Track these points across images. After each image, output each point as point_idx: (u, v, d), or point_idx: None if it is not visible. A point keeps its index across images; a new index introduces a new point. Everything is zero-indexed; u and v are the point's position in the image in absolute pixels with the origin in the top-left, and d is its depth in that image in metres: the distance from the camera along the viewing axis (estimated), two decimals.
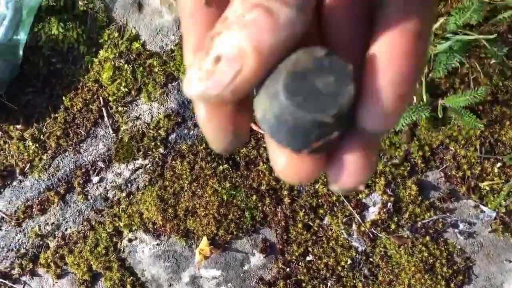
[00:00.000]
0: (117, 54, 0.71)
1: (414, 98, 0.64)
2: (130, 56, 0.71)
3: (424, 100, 0.62)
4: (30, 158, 0.73)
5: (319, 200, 0.67)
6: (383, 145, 0.66)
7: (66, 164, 0.72)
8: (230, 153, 0.57)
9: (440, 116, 0.62)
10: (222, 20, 0.14)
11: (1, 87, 0.70)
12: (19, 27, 0.69)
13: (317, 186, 0.66)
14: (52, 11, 0.73)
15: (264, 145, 0.68)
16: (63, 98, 0.72)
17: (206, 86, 0.13)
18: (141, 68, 0.70)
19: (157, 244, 0.70)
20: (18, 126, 0.73)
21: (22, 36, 0.70)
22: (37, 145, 0.72)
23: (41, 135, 0.73)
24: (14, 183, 0.74)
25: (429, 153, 0.65)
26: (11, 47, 0.68)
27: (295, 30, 0.13)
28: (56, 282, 0.73)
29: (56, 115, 0.72)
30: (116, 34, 0.72)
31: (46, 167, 0.72)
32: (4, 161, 0.74)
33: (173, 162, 0.69)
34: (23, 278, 0.74)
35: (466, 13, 0.56)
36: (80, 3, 0.72)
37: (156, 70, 0.70)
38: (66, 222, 0.73)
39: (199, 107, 0.15)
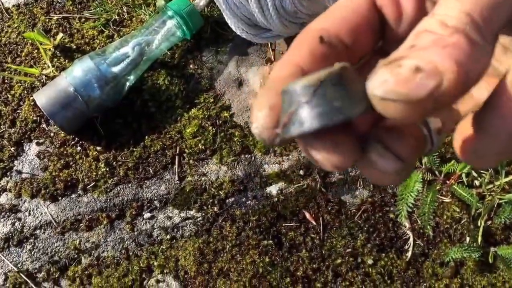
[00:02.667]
0: (206, 116, 0.84)
1: (467, 238, 0.72)
2: (217, 121, 0.84)
3: (479, 242, 0.70)
4: (97, 178, 0.83)
5: None
6: (425, 273, 0.72)
7: (126, 194, 0.82)
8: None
9: (491, 262, 0.69)
10: (407, 47, 0.17)
11: (100, 110, 0.84)
12: (134, 70, 0.84)
13: None
14: (165, 65, 0.89)
15: (312, 235, 0.76)
16: (146, 137, 0.84)
17: (410, 88, 0.16)
18: (222, 134, 0.82)
19: None
20: (98, 148, 0.85)
21: (132, 78, 0.85)
22: (107, 169, 0.83)
23: (114, 162, 0.84)
24: (73, 196, 0.84)
25: None
26: (122, 82, 0.82)
27: (488, 62, 0.17)
28: None
29: (134, 149, 0.84)
30: (212, 100, 0.85)
31: (108, 190, 0.83)
32: (73, 173, 0.84)
33: (223, 222, 0.78)
34: (45, 284, 0.81)
35: None
36: (191, 66, 0.88)
37: (235, 139, 0.82)
38: (106, 245, 0.80)
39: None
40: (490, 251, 0.73)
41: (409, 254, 0.77)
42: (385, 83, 0.17)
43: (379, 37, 0.24)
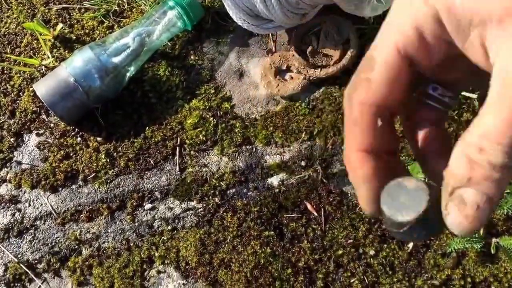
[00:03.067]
0: (207, 107, 0.85)
1: None
2: (218, 112, 0.84)
3: (481, 233, 0.70)
4: (97, 169, 0.84)
5: None
6: (426, 264, 0.73)
7: (126, 185, 0.83)
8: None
9: (493, 252, 0.70)
10: (454, 177, 0.25)
11: (100, 101, 0.84)
12: (134, 60, 0.84)
13: (352, 280, 0.73)
14: (166, 56, 0.89)
15: (313, 226, 0.77)
16: (146, 128, 0.85)
17: (475, 226, 0.25)
18: (223, 125, 0.83)
19: (183, 284, 0.77)
20: (98, 139, 0.85)
21: (133, 68, 0.86)
22: (108, 160, 0.84)
23: (115, 153, 0.84)
24: (73, 186, 0.84)
25: (470, 285, 0.74)
26: (122, 73, 0.83)
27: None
28: None
29: (135, 140, 0.84)
30: (212, 91, 0.86)
31: (108, 181, 0.83)
32: (73, 164, 0.85)
33: (224, 213, 0.78)
34: (45, 275, 0.81)
35: None
36: (191, 57, 0.88)
37: (236, 131, 0.83)
38: (107, 236, 0.81)
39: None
40: (492, 242, 0.74)
41: (410, 245, 0.78)
42: (460, 225, 0.25)
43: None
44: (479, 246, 0.72)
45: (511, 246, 0.70)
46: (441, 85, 0.29)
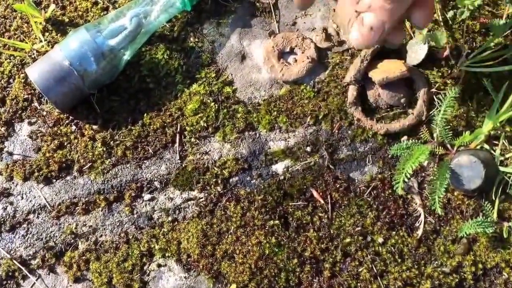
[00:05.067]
0: (208, 92, 0.86)
1: (480, 214, 0.74)
2: (219, 97, 0.85)
3: (494, 218, 0.72)
4: (93, 159, 0.85)
5: (359, 284, 0.74)
6: (436, 250, 0.74)
7: (124, 175, 0.84)
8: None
9: (505, 236, 0.71)
10: (362, 4, 0.43)
11: (96, 86, 0.85)
12: (131, 43, 0.85)
13: (360, 270, 0.74)
14: (164, 38, 0.90)
15: (319, 214, 0.78)
16: (144, 115, 0.86)
17: (365, 41, 0.43)
18: (225, 110, 0.84)
19: (185, 277, 0.78)
20: (94, 127, 0.87)
21: (129, 52, 0.87)
22: (104, 148, 0.85)
23: (112, 141, 0.86)
24: (68, 178, 0.86)
25: (481, 272, 0.74)
26: (118, 56, 0.83)
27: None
28: (71, 286, 0.80)
29: (133, 128, 0.86)
30: (213, 75, 0.87)
31: (105, 171, 0.85)
32: (67, 154, 0.86)
33: (227, 203, 0.80)
34: (40, 271, 0.83)
35: None
36: (191, 39, 0.89)
37: (238, 116, 0.84)
38: (104, 229, 0.82)
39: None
40: (504, 226, 0.75)
41: (420, 231, 0.79)
42: (356, 41, 0.44)
43: None
44: (490, 231, 0.73)
45: None
46: None
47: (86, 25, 0.88)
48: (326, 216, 0.81)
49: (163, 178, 0.87)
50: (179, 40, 0.94)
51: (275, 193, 0.83)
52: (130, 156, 0.89)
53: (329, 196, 0.82)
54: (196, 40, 0.94)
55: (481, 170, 0.73)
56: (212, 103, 0.89)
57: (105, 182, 0.88)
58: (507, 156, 0.78)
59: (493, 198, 0.77)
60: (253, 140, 0.87)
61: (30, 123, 0.93)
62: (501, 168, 0.76)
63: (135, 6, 0.90)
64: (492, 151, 0.78)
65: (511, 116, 0.74)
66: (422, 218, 0.79)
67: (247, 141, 0.87)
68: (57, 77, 0.83)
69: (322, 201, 0.82)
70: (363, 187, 0.82)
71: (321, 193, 0.82)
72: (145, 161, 0.88)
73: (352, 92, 0.85)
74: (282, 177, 0.84)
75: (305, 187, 0.83)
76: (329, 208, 0.81)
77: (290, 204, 0.82)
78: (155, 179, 0.87)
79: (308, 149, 0.85)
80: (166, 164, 0.88)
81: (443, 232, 0.79)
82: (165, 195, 0.86)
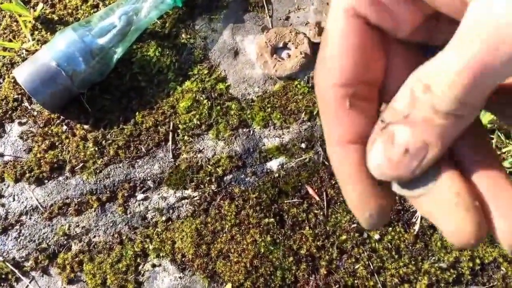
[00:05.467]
0: (200, 89, 0.85)
1: None
2: (212, 94, 0.85)
3: None
4: (85, 159, 0.85)
5: (356, 282, 0.74)
6: (434, 246, 0.74)
7: (117, 174, 0.84)
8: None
9: None
10: (392, 111, 0.22)
11: (86, 86, 0.85)
12: (122, 41, 0.84)
13: (357, 266, 0.74)
14: (155, 35, 0.90)
15: (315, 211, 0.78)
16: (136, 113, 0.85)
17: (399, 173, 0.22)
18: (218, 107, 0.84)
19: (180, 277, 0.78)
20: (86, 126, 0.86)
21: (120, 50, 0.86)
22: (96, 148, 0.85)
23: (104, 141, 0.85)
24: (60, 178, 0.85)
25: (479, 267, 0.74)
26: (109, 54, 0.83)
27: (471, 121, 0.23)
28: (64, 287, 0.80)
29: (125, 126, 0.85)
30: (206, 72, 0.87)
31: (97, 171, 0.84)
32: (59, 154, 0.86)
33: (222, 201, 0.79)
34: (33, 273, 0.82)
35: None
36: (183, 36, 0.89)
37: (232, 113, 0.83)
38: (97, 229, 0.82)
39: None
40: None
41: (416, 227, 0.79)
42: (379, 168, 0.23)
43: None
44: None
45: None
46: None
47: (73, 24, 0.87)
48: (321, 213, 0.81)
49: (157, 177, 0.87)
50: (170, 37, 0.94)
51: (269, 190, 0.83)
52: (122, 156, 0.88)
53: (324, 193, 0.82)
54: (188, 36, 0.93)
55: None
56: (205, 100, 0.89)
57: (98, 182, 0.88)
58: (504, 150, 0.77)
59: None
60: (247, 137, 0.87)
61: (20, 124, 0.92)
62: None
63: (125, 3, 0.89)
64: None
65: None
66: (418, 213, 0.79)
67: (241, 138, 0.87)
68: (45, 78, 0.83)
69: (317, 198, 0.81)
70: None
71: (316, 190, 0.82)
72: (137, 160, 0.88)
73: None
74: (276, 175, 0.84)
75: (300, 184, 0.82)
76: (325, 205, 0.81)
77: (285, 201, 0.82)
78: (148, 178, 0.87)
79: (303, 145, 0.84)
80: (159, 163, 0.88)
81: None
82: (159, 194, 0.86)
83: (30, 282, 0.84)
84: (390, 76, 0.25)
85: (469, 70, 0.19)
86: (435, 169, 0.23)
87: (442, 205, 0.22)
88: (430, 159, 0.22)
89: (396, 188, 0.24)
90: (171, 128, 0.89)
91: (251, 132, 0.87)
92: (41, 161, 0.89)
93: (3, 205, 0.88)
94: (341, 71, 0.23)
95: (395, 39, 0.25)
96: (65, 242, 0.86)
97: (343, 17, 0.23)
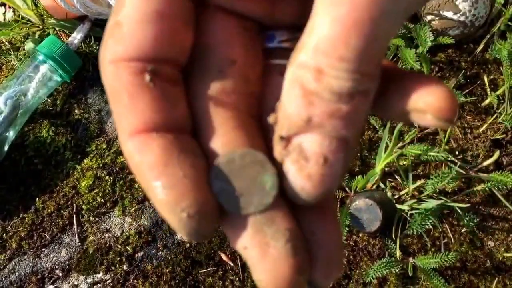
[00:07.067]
0: (101, 165, 0.86)
1: (386, 252, 0.78)
2: (114, 168, 0.86)
3: (397, 256, 0.76)
4: None
5: None
6: None
7: (22, 268, 0.83)
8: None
9: (410, 274, 0.76)
10: (287, 121, 0.19)
11: None
12: (11, 125, 0.84)
13: None
14: (47, 114, 0.90)
15: (231, 277, 0.80)
16: (36, 199, 0.85)
17: (329, 186, 0.19)
18: (121, 182, 0.85)
19: None
20: None
21: (11, 134, 0.85)
22: None
23: (4, 234, 0.84)
24: None
25: None
26: None
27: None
28: None
29: (25, 215, 0.85)
30: (104, 146, 0.87)
31: (1, 268, 0.83)
32: None
33: (135, 281, 0.80)
34: None
35: (445, 179, 0.73)
36: (76, 111, 0.89)
37: (136, 185, 0.85)
38: None
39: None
40: (409, 263, 0.80)
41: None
42: (303, 191, 0.19)
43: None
44: (397, 270, 0.78)
45: (427, 265, 0.76)
46: (281, 30, 0.22)
47: None
48: (237, 278, 0.83)
49: (65, 265, 0.87)
50: (63, 114, 0.94)
51: (183, 262, 0.84)
52: (26, 247, 0.87)
53: (238, 257, 0.84)
54: (82, 111, 0.94)
55: (378, 212, 0.78)
56: (107, 176, 0.90)
57: (3, 279, 0.86)
58: (402, 193, 0.83)
59: (394, 237, 0.82)
60: (154, 210, 0.88)
61: None
62: (398, 206, 0.81)
63: (9, 86, 0.89)
64: (388, 190, 0.83)
65: (400, 153, 0.79)
66: None
67: (148, 211, 0.88)
68: None
69: (231, 264, 0.84)
70: None
71: (229, 255, 0.84)
72: (43, 250, 0.87)
73: None
74: (188, 245, 0.85)
75: (212, 251, 0.85)
76: (239, 270, 0.83)
77: (199, 271, 0.84)
78: (56, 267, 0.87)
79: None
80: (66, 249, 0.87)
81: (354, 276, 0.83)
82: (69, 283, 0.86)
83: None
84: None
85: (350, 29, 0.16)
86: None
87: None
88: (350, 154, 0.19)
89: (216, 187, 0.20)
90: (74, 210, 0.89)
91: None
92: None
93: None
94: (138, 43, 0.19)
95: (226, 10, 0.21)
96: None
97: None
